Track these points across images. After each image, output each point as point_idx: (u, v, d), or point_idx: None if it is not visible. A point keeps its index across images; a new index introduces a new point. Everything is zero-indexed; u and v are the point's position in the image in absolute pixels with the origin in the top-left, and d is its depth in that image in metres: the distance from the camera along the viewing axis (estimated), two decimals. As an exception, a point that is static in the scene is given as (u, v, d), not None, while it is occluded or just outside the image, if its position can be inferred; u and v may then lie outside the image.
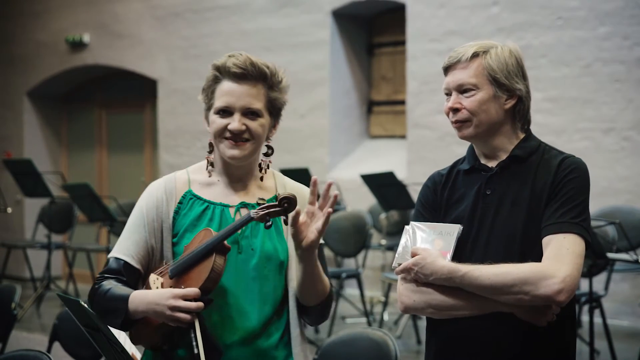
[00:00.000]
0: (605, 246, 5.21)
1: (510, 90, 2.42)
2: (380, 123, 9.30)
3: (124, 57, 10.31)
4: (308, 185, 2.44)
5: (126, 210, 7.64)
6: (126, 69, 10.33)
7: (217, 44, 9.36)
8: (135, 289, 2.42)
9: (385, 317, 7.19)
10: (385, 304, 7.12)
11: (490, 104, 2.41)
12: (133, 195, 7.42)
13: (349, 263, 8.33)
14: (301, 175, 7.70)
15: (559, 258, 2.27)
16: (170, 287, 2.34)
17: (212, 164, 2.50)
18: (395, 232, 7.30)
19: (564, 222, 2.32)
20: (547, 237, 2.32)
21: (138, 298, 2.33)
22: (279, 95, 2.49)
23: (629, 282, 7.15)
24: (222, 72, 2.43)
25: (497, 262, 2.31)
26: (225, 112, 2.41)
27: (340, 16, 8.95)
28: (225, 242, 2.31)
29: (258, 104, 2.43)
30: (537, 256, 2.31)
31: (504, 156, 2.44)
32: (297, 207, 2.30)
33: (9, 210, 8.75)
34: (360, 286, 6.96)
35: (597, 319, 5.60)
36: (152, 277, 2.39)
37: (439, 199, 2.50)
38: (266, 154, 2.53)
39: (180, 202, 2.46)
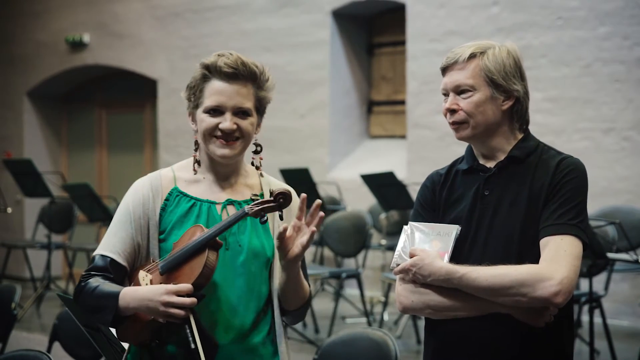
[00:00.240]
0: (605, 246, 5.21)
1: (508, 91, 2.41)
2: (380, 123, 9.30)
3: (124, 57, 10.31)
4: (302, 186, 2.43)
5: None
6: (126, 69, 10.33)
7: (217, 44, 9.36)
8: (122, 286, 2.41)
9: (385, 317, 7.19)
10: (385, 304, 7.12)
11: (488, 105, 2.41)
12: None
13: (349, 263, 8.33)
14: (301, 175, 7.71)
15: (557, 260, 2.27)
16: (161, 283, 2.33)
17: (198, 162, 2.50)
18: (395, 232, 7.30)
19: (561, 223, 2.31)
20: (545, 238, 2.32)
21: (129, 294, 2.33)
22: (266, 94, 2.53)
23: (629, 282, 7.15)
24: (211, 71, 2.43)
25: (495, 263, 2.31)
26: (216, 111, 2.42)
27: (340, 16, 8.96)
28: (217, 238, 2.32)
29: (248, 104, 2.45)
30: (535, 257, 2.31)
31: (502, 157, 2.44)
32: (285, 224, 2.33)
33: (9, 210, 8.75)
34: (360, 286, 6.95)
35: (597, 319, 5.60)
36: (142, 274, 2.38)
37: (438, 199, 2.50)
38: (256, 152, 2.52)
39: (166, 199, 2.46)
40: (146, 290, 2.31)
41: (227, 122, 2.41)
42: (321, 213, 2.34)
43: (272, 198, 2.31)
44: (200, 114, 2.43)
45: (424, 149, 8.20)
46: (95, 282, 2.38)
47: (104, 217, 7.87)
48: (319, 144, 8.99)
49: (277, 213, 2.37)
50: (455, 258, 2.36)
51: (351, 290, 8.09)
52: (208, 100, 2.42)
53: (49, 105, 11.19)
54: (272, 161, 8.64)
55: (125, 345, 2.53)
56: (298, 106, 9.06)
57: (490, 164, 2.46)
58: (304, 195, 2.34)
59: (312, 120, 9.02)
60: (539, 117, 7.29)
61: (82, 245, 8.78)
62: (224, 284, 2.40)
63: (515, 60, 2.43)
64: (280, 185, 2.55)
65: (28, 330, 7.28)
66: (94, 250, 2.51)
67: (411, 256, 2.37)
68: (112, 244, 2.44)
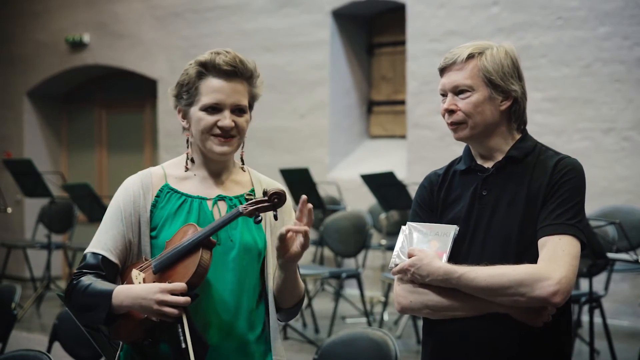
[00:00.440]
0: (605, 246, 5.21)
1: (506, 91, 2.41)
2: (380, 123, 9.31)
3: (124, 57, 10.31)
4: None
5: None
6: (126, 69, 10.33)
7: (217, 44, 9.30)
8: (114, 284, 2.41)
9: (385, 317, 7.19)
10: (385, 304, 7.12)
11: (486, 106, 2.41)
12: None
13: (349, 263, 8.33)
14: (301, 175, 7.71)
15: (555, 260, 2.27)
16: (154, 282, 2.33)
17: (192, 159, 2.50)
18: (395, 232, 7.25)
19: (559, 223, 2.32)
20: (543, 238, 2.32)
21: (123, 292, 2.32)
22: (258, 91, 2.52)
23: (629, 282, 7.15)
24: (208, 69, 2.44)
25: (493, 263, 2.31)
26: (215, 109, 2.42)
27: (340, 16, 8.96)
28: (211, 237, 2.32)
29: (245, 101, 2.46)
30: (533, 257, 2.31)
31: (500, 157, 2.44)
32: (287, 226, 2.33)
33: (9, 210, 8.75)
34: (360, 286, 6.95)
35: (597, 319, 5.60)
36: (134, 273, 2.38)
37: (436, 200, 2.50)
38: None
39: (157, 196, 2.46)
40: (140, 289, 2.31)
41: (226, 119, 2.41)
42: (309, 205, 2.32)
43: (266, 198, 2.32)
44: (196, 111, 2.43)
45: (424, 149, 8.20)
46: (88, 280, 2.38)
47: (104, 217, 7.86)
48: (319, 144, 8.99)
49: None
50: (453, 258, 2.36)
51: (351, 290, 8.09)
52: (206, 98, 2.42)
53: (49, 105, 11.19)
54: (272, 161, 8.65)
55: None
56: (298, 106, 9.06)
57: (488, 164, 2.46)
58: (304, 197, 2.34)
59: (312, 120, 9.02)
60: (539, 117, 7.29)
61: (82, 245, 8.76)
62: (216, 280, 2.40)
63: (513, 60, 2.43)
64: (272, 183, 2.56)
65: (28, 330, 7.28)
66: (93, 250, 2.50)
67: (409, 256, 2.37)
68: (103, 241, 2.43)
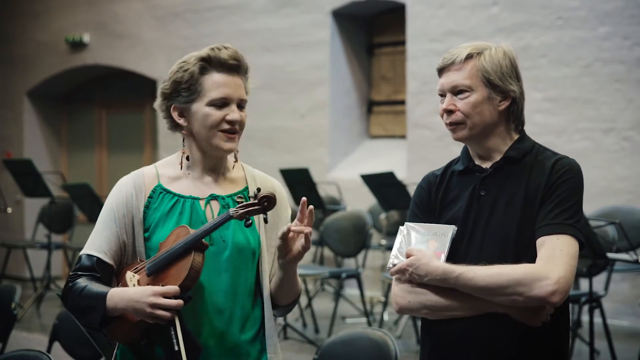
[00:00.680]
0: (605, 246, 5.21)
1: (504, 91, 2.42)
2: (380, 123, 9.31)
3: (124, 57, 10.31)
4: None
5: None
6: (126, 69, 10.33)
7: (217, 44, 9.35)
8: (109, 285, 2.42)
9: (385, 317, 7.19)
10: (385, 304, 7.12)
11: (484, 106, 2.41)
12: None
13: (349, 263, 8.33)
14: (301, 175, 7.71)
15: (553, 259, 2.27)
16: (148, 284, 2.34)
17: (187, 158, 2.49)
18: (395, 232, 7.23)
19: (557, 223, 2.32)
20: (541, 238, 2.32)
21: (117, 295, 2.33)
22: (249, 87, 2.51)
23: (629, 282, 7.15)
24: (212, 64, 2.43)
25: (491, 263, 2.31)
26: (223, 103, 2.41)
27: (340, 16, 8.96)
28: (203, 239, 2.32)
29: (245, 95, 2.46)
30: (531, 257, 2.31)
31: (498, 157, 2.44)
32: (289, 224, 2.33)
33: (9, 210, 8.75)
34: (360, 286, 6.95)
35: (597, 319, 5.60)
36: (129, 275, 2.39)
37: (434, 200, 2.50)
38: None
39: (150, 197, 2.46)
40: (133, 292, 2.31)
41: (235, 113, 2.41)
42: (310, 207, 2.33)
43: (256, 201, 2.32)
44: (202, 107, 2.41)
45: (423, 149, 8.20)
46: (84, 282, 2.38)
47: (104, 217, 7.85)
48: (319, 144, 8.99)
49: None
50: (451, 258, 2.36)
51: (351, 290, 8.09)
52: (214, 93, 2.40)
53: (49, 105, 11.19)
54: (272, 161, 8.65)
55: None
56: (298, 106, 9.06)
57: (486, 165, 2.46)
58: (304, 199, 2.35)
59: (312, 120, 9.02)
60: (539, 117, 7.29)
61: (82, 245, 8.69)
62: (210, 280, 2.40)
63: (512, 61, 2.44)
64: (267, 179, 2.56)
65: (28, 330, 7.28)
66: (93, 250, 2.50)
67: (407, 256, 2.38)
68: (97, 243, 2.44)
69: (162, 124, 2.58)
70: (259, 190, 2.36)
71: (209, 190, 2.48)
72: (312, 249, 8.25)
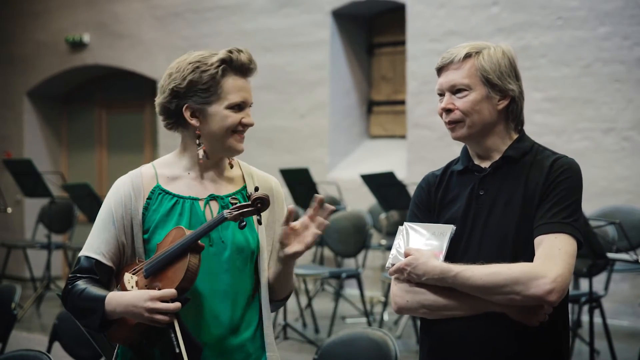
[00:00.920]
0: (605, 246, 5.21)
1: (503, 90, 2.42)
2: (380, 123, 9.31)
3: (124, 57, 10.31)
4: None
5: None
6: (126, 69, 10.33)
7: (217, 44, 9.35)
8: (108, 286, 2.42)
9: (385, 317, 7.19)
10: (385, 304, 7.12)
11: (483, 105, 2.41)
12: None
13: (349, 263, 8.33)
14: (301, 175, 7.71)
15: (551, 258, 2.27)
16: (145, 286, 2.34)
17: (206, 155, 2.47)
18: (395, 232, 7.25)
19: (555, 222, 2.31)
20: (539, 237, 2.32)
21: (115, 300, 2.33)
22: None
23: (629, 282, 7.15)
24: (232, 67, 2.43)
25: (489, 263, 2.31)
26: (239, 107, 2.43)
27: (340, 16, 8.96)
28: (199, 241, 2.33)
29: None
30: (529, 256, 2.31)
31: (497, 157, 2.44)
32: (290, 207, 2.36)
33: (9, 210, 8.75)
34: (360, 286, 6.96)
35: (597, 319, 5.60)
36: (127, 277, 2.39)
37: (433, 200, 2.50)
38: None
39: (149, 198, 2.46)
40: (130, 296, 2.31)
41: (250, 117, 2.45)
42: (331, 207, 2.37)
43: (249, 202, 2.33)
44: (221, 110, 2.41)
45: (423, 149, 8.20)
46: (82, 284, 2.39)
47: (104, 217, 7.85)
48: (319, 144, 8.99)
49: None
50: (450, 258, 2.36)
51: (351, 290, 8.09)
52: (234, 97, 2.42)
53: (49, 105, 11.19)
54: (272, 161, 8.65)
55: None
56: (298, 106, 9.06)
57: (485, 164, 2.46)
58: (318, 195, 2.37)
59: (312, 120, 9.02)
60: (539, 117, 7.29)
61: (82, 245, 8.68)
62: (210, 281, 2.40)
63: (510, 60, 2.44)
64: (264, 176, 2.57)
65: (28, 330, 7.28)
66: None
67: (406, 256, 2.38)
68: (96, 245, 2.44)
69: (162, 123, 2.57)
70: (256, 189, 2.37)
71: (208, 190, 2.48)
72: (312, 249, 8.25)
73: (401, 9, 8.56)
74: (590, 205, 6.33)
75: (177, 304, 2.28)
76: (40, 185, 8.32)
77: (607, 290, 5.86)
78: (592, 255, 4.99)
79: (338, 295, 7.12)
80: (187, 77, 2.41)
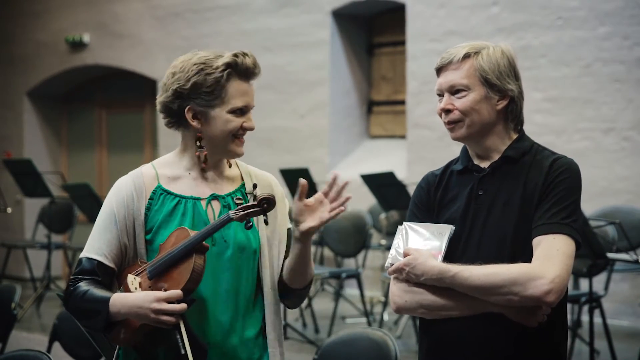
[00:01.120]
0: (605, 246, 5.21)
1: (502, 90, 2.41)
2: (380, 123, 9.31)
3: (124, 57, 10.31)
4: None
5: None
6: (126, 69, 10.33)
7: (217, 44, 9.36)
8: (110, 287, 2.42)
9: (385, 317, 7.19)
10: (385, 304, 7.12)
11: (482, 105, 2.41)
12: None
13: (349, 263, 8.33)
14: (301, 175, 7.67)
15: (549, 259, 2.27)
16: (149, 287, 2.34)
17: (206, 159, 2.47)
18: (395, 232, 7.27)
19: (554, 222, 2.31)
20: (538, 237, 2.32)
21: (119, 301, 2.33)
22: None
23: (629, 282, 7.15)
24: (237, 71, 2.41)
25: (488, 263, 2.31)
26: (242, 111, 2.43)
27: (340, 16, 8.96)
28: (204, 242, 2.32)
29: None
30: (528, 257, 2.31)
31: (496, 157, 2.44)
32: (302, 181, 2.35)
33: (9, 210, 8.75)
34: (360, 286, 6.96)
35: (597, 319, 5.60)
36: (130, 278, 2.38)
37: (432, 200, 2.50)
38: None
39: (151, 198, 2.45)
40: (135, 297, 2.31)
41: (251, 121, 2.45)
42: (345, 181, 2.41)
43: (256, 202, 2.33)
44: (223, 114, 2.41)
45: (423, 149, 8.20)
46: (85, 286, 2.38)
47: (104, 217, 7.86)
48: (319, 144, 8.99)
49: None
50: (449, 258, 2.37)
51: (351, 290, 8.09)
52: (238, 101, 2.41)
53: (49, 105, 11.19)
54: (272, 161, 8.64)
55: None
56: (298, 106, 9.06)
57: (485, 164, 2.46)
58: (335, 172, 2.41)
59: (312, 120, 9.02)
60: (539, 117, 7.29)
61: (82, 245, 8.62)
62: (213, 280, 2.40)
63: (510, 60, 2.44)
64: (262, 175, 2.57)
65: (28, 330, 7.28)
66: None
67: (405, 256, 2.38)
68: (97, 246, 2.43)
69: (162, 123, 2.57)
70: (255, 186, 2.39)
71: (209, 189, 2.48)
72: (312, 248, 8.24)
73: (401, 9, 8.56)
74: (590, 205, 6.33)
75: (183, 305, 2.28)
76: (40, 185, 8.32)
77: (607, 290, 5.86)
78: (592, 255, 4.99)
79: (338, 295, 7.12)
80: (192, 78, 2.40)
